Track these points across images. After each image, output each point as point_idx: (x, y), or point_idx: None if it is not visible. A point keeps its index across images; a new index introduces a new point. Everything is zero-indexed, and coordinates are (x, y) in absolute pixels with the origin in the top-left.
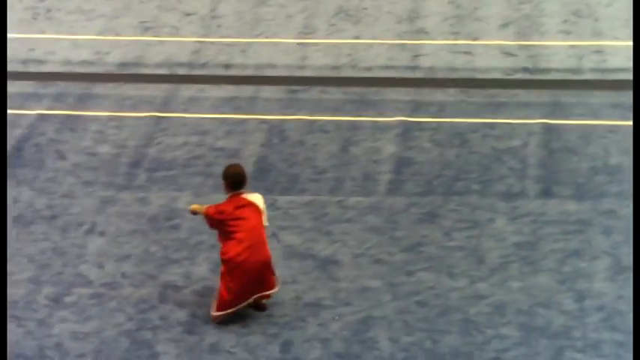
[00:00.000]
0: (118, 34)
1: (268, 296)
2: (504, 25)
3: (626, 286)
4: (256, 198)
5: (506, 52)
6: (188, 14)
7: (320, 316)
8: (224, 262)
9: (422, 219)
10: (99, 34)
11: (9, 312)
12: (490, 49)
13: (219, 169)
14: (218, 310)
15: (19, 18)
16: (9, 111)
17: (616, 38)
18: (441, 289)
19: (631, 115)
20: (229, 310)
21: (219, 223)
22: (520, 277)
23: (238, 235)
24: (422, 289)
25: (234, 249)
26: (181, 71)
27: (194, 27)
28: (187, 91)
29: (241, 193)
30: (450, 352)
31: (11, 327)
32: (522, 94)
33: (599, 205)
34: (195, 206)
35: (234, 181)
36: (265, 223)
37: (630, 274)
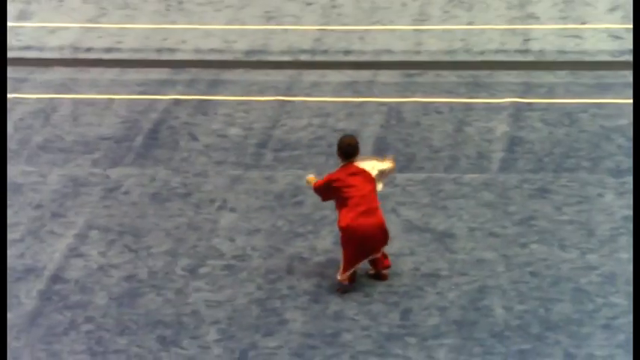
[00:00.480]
0: (244, 24)
1: (388, 265)
2: (612, 9)
3: None
4: (368, 165)
5: (614, 35)
6: (309, 4)
7: (437, 286)
8: (341, 229)
9: (533, 194)
10: (227, 23)
11: (149, 282)
12: (598, 33)
13: None
14: (343, 272)
15: (153, 10)
16: (146, 96)
17: None
18: (553, 260)
19: None
20: (351, 270)
21: (334, 190)
22: (629, 249)
23: (352, 201)
24: (534, 260)
25: (349, 214)
26: (304, 58)
27: (315, 16)
28: (309, 76)
29: (353, 162)
30: (561, 320)
31: (151, 296)
32: (629, 75)
33: None
34: (310, 177)
35: (346, 151)
36: (379, 188)
37: None
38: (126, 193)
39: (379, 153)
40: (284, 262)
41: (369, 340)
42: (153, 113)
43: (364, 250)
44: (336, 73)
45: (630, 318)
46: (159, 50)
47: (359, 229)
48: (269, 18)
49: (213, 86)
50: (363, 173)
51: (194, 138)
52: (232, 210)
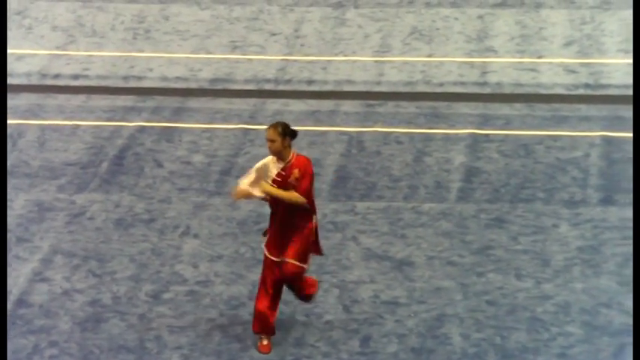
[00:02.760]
0: (209, 53)
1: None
2: (567, 44)
3: None
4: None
5: (569, 70)
6: (273, 34)
7: (396, 313)
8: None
9: (490, 224)
10: (192, 52)
11: (113, 307)
12: (554, 67)
13: None
14: None
15: (120, 38)
16: (112, 123)
17: None
18: (509, 289)
19: None
20: None
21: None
22: (583, 279)
23: None
24: (491, 289)
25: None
26: (267, 87)
27: (279, 46)
28: (273, 105)
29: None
30: (517, 348)
31: (115, 321)
32: (584, 109)
33: None
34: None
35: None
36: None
37: None
38: (91, 218)
39: (340, 181)
40: (246, 288)
41: None
42: (118, 139)
43: None
44: (299, 103)
45: (585, 347)
46: (125, 78)
47: None
48: (234, 47)
49: (178, 114)
50: None
51: (159, 164)
52: (195, 236)
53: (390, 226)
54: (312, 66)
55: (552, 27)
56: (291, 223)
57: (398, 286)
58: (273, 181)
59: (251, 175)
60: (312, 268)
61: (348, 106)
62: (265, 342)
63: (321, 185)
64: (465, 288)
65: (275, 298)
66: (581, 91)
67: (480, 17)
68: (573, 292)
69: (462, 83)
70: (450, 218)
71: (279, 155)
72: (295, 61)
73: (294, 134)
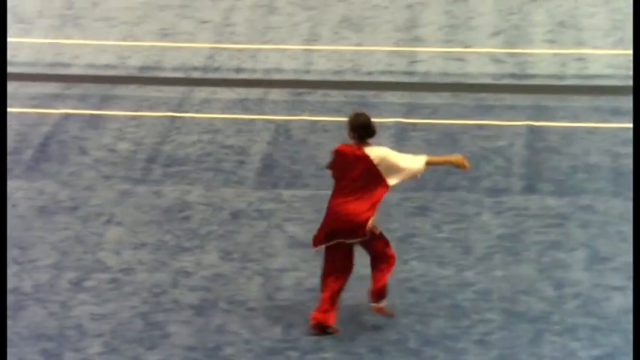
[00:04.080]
0: (138, 40)
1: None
2: (494, 34)
3: (601, 275)
4: (378, 152)
5: (496, 59)
6: (203, 22)
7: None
8: None
9: (414, 212)
10: (121, 39)
11: (34, 295)
12: (481, 56)
13: (228, 165)
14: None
15: (49, 24)
16: (38, 110)
17: (597, 47)
18: (431, 276)
19: (609, 117)
20: (318, 247)
21: (333, 164)
22: (503, 267)
23: (340, 184)
24: (413, 276)
25: (334, 195)
26: (196, 75)
27: (208, 34)
28: (201, 93)
29: (366, 144)
30: (438, 335)
31: (35, 309)
32: (509, 98)
33: (577, 201)
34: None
35: (359, 132)
36: (391, 182)
37: (606, 265)
38: (14, 206)
39: (267, 169)
40: (169, 276)
41: (251, 354)
42: (44, 127)
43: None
44: (227, 91)
45: (504, 334)
46: (52, 65)
47: (331, 211)
48: (163, 35)
49: (105, 101)
50: (365, 159)
51: (84, 152)
52: (119, 224)
53: (316, 214)
54: (241, 54)
55: (480, 17)
56: None
57: (321, 273)
58: None
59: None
60: (236, 255)
61: (276, 94)
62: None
63: (247, 173)
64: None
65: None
66: (507, 81)
67: (409, 6)
68: (494, 280)
69: (390, 72)
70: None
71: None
72: (224, 49)
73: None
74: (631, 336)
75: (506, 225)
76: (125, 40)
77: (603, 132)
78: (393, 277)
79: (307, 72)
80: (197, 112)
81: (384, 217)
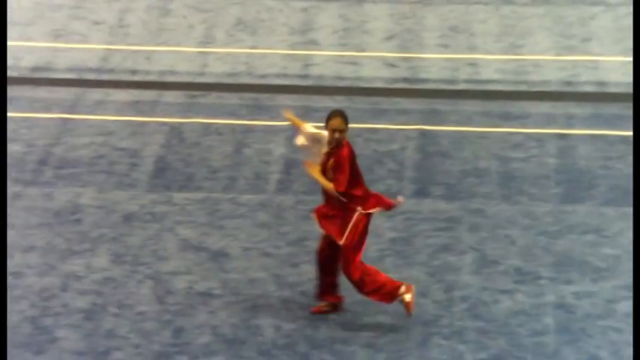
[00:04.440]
0: (31, 41)
1: None
2: (388, 38)
3: (489, 279)
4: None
5: (389, 64)
6: (97, 23)
7: (210, 305)
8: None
9: (307, 216)
10: (14, 40)
11: None
12: (374, 61)
13: (121, 168)
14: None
15: None
16: None
17: (488, 52)
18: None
19: (500, 122)
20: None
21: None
22: (395, 270)
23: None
24: (304, 280)
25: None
26: (89, 76)
27: (102, 35)
28: (94, 94)
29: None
30: (327, 338)
31: None
32: (402, 102)
33: (468, 205)
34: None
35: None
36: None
37: (494, 269)
38: None
39: (159, 172)
40: (59, 279)
41: (139, 358)
42: None
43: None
44: (121, 92)
45: (393, 337)
46: None
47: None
48: (56, 36)
49: None
50: None
51: None
52: (10, 227)
53: (208, 217)
54: (136, 56)
55: (374, 21)
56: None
57: (213, 277)
58: (320, 160)
59: (314, 132)
60: (127, 258)
61: (170, 96)
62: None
63: (140, 176)
64: (279, 279)
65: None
66: (399, 85)
67: (304, 10)
68: None
69: (285, 75)
70: (268, 209)
71: (333, 145)
72: (118, 50)
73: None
74: (517, 338)
75: (397, 228)
76: (18, 41)
77: (493, 136)
78: (284, 282)
79: (202, 74)
80: (90, 113)
81: (277, 220)
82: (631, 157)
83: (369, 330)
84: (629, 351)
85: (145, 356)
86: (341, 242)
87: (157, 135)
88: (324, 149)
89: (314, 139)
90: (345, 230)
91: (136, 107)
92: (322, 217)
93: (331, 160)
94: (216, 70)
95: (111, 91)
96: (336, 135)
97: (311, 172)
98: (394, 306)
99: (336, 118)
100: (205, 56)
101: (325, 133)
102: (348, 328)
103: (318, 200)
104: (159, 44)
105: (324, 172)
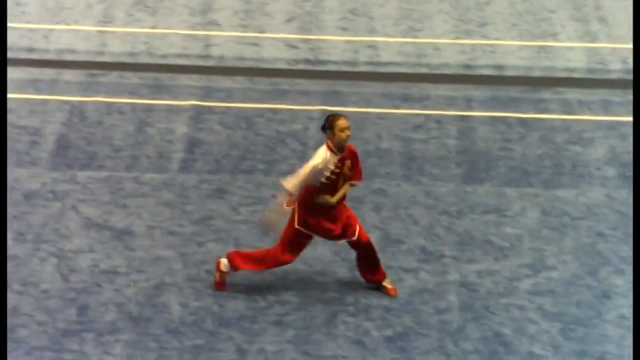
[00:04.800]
0: None
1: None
2: (289, 20)
3: (393, 257)
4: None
5: (290, 45)
6: None
7: (115, 283)
8: None
9: (211, 195)
10: None
11: None
12: (275, 42)
13: (21, 146)
14: None
15: None
16: None
17: (388, 35)
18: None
19: (400, 103)
20: None
21: None
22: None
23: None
24: (210, 258)
25: None
26: None
27: None
28: None
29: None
30: (235, 316)
31: None
32: (303, 83)
33: (370, 185)
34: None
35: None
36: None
37: (398, 248)
38: None
39: (61, 150)
40: None
41: (44, 336)
42: None
43: None
44: (19, 71)
45: (300, 314)
46: None
47: None
48: None
49: None
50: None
51: None
52: None
53: (111, 196)
54: (33, 34)
55: (275, 3)
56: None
57: (117, 255)
58: (332, 172)
59: (304, 178)
60: (30, 237)
61: (69, 75)
62: None
63: (41, 154)
64: (184, 257)
65: None
66: (301, 66)
67: None
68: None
69: (186, 55)
70: (172, 188)
71: (339, 147)
72: (15, 28)
73: None
74: (422, 316)
75: None
76: None
77: (394, 118)
78: (189, 260)
79: (101, 53)
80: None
81: (181, 199)
82: (529, 139)
83: (276, 308)
84: (532, 328)
85: (49, 334)
86: (356, 237)
87: (57, 113)
88: (331, 163)
89: (314, 175)
90: (355, 226)
91: (34, 85)
92: (333, 234)
93: (347, 162)
94: (116, 50)
95: (8, 69)
96: (347, 133)
97: (327, 202)
98: (299, 285)
99: (340, 118)
100: (104, 35)
101: (319, 156)
102: (255, 306)
103: (222, 179)
104: (57, 22)
105: (341, 178)
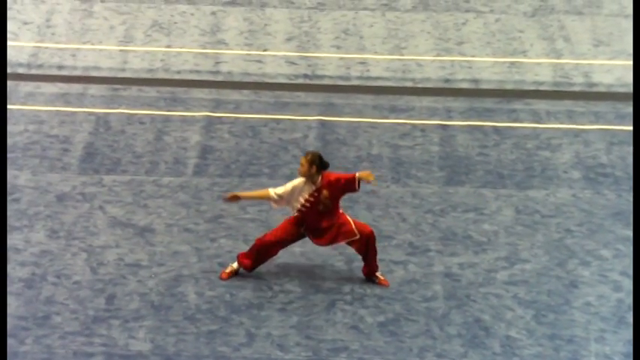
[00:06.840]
0: None
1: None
2: (288, 39)
3: (385, 251)
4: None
5: (290, 62)
6: (26, 23)
7: (138, 275)
8: None
9: (221, 196)
10: None
11: None
12: (277, 59)
13: (53, 153)
14: None
15: None
16: None
17: (376, 52)
18: (238, 252)
19: (388, 114)
20: None
21: None
22: (301, 244)
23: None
24: (222, 252)
25: None
26: (20, 70)
27: (31, 34)
28: (26, 87)
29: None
30: (244, 304)
31: None
32: (302, 96)
33: (363, 187)
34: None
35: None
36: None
37: (388, 243)
38: None
39: (89, 157)
40: None
41: (76, 322)
42: None
43: None
44: (50, 86)
45: (302, 303)
46: None
47: None
48: None
49: None
50: None
51: None
52: None
53: (134, 197)
54: (62, 53)
55: (275, 24)
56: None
57: (140, 250)
58: (306, 200)
59: (285, 189)
60: (62, 234)
61: (95, 89)
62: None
63: (71, 160)
64: (199, 252)
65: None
66: (300, 81)
67: (213, 13)
68: (293, 256)
69: (197, 71)
70: (187, 190)
71: (310, 179)
72: (47, 48)
73: (322, 165)
74: (411, 304)
75: None
76: None
77: (384, 127)
78: (203, 254)
79: (123, 70)
80: (23, 104)
81: (195, 200)
82: (503, 146)
83: (281, 297)
84: (509, 314)
85: (80, 320)
86: (357, 236)
87: (85, 124)
88: (306, 192)
89: (293, 188)
90: (349, 225)
91: (64, 99)
92: (331, 239)
93: (324, 192)
94: (136, 67)
95: (41, 84)
96: (300, 167)
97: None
98: (301, 276)
99: (305, 155)
100: (125, 54)
101: (297, 180)
102: (262, 295)
103: (231, 181)
104: (83, 43)
105: (318, 205)
